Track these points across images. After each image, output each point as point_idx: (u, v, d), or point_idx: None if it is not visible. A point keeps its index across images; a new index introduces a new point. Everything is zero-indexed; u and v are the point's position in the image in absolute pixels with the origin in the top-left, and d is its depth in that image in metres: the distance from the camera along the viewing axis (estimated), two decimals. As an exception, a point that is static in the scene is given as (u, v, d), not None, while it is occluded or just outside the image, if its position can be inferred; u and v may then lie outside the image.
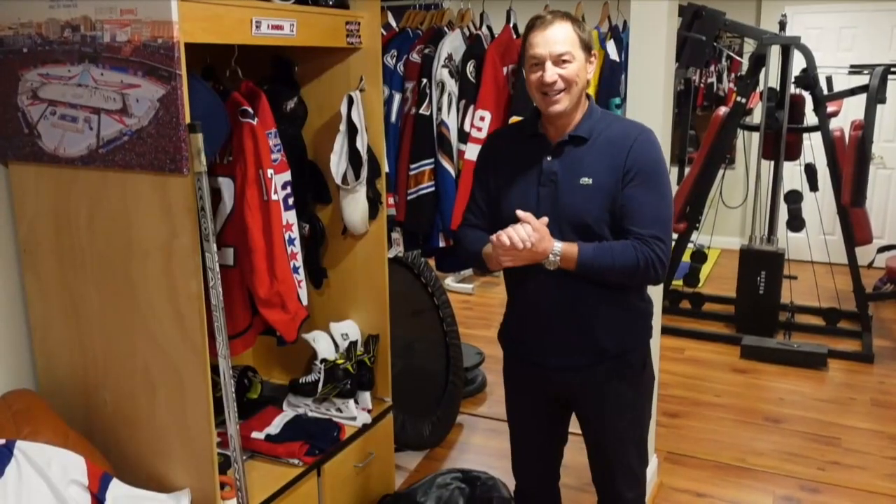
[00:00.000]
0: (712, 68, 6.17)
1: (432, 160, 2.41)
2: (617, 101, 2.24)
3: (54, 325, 1.95)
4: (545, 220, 1.72)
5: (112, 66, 1.65)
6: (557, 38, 1.71)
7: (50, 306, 1.94)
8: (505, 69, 2.37)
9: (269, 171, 2.01)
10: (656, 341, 2.59)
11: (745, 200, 5.38)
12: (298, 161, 2.39)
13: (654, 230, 1.74)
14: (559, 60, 1.70)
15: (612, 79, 2.18)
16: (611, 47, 2.22)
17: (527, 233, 1.68)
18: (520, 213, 1.71)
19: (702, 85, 6.42)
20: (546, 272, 1.75)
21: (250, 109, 1.99)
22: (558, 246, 1.72)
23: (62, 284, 1.91)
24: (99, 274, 1.84)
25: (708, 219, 4.74)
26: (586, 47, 1.75)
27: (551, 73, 1.70)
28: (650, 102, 2.26)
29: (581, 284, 1.77)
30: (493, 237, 1.72)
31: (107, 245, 1.81)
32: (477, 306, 5.08)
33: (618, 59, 2.24)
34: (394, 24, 2.70)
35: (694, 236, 4.69)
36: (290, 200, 2.12)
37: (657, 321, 2.62)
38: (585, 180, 1.75)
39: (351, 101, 2.25)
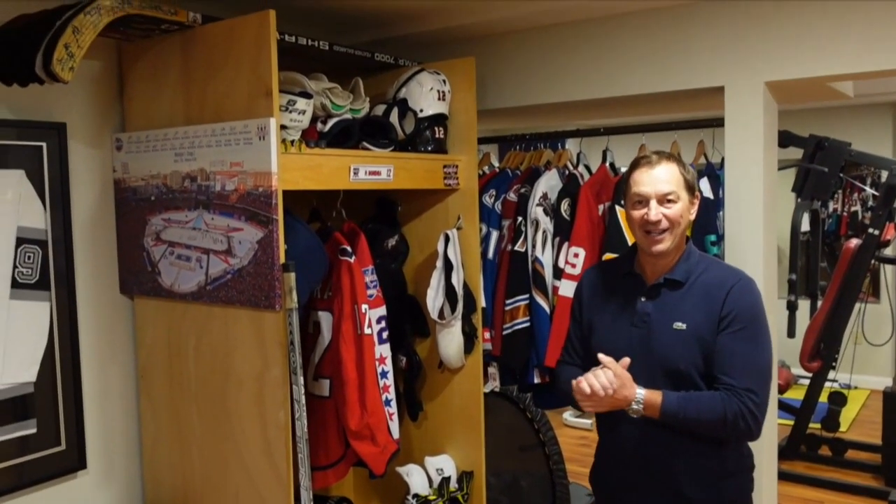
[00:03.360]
0: (856, 196, 5.94)
1: (527, 296, 2.44)
2: (712, 237, 2.20)
3: (162, 447, 2.08)
4: (626, 361, 1.68)
5: (221, 212, 1.82)
6: (663, 177, 1.73)
7: (160, 429, 2.08)
8: (600, 207, 2.40)
9: (364, 307, 2.10)
10: (770, 495, 2.40)
11: (892, 337, 4.97)
12: (399, 295, 2.49)
13: (747, 381, 1.66)
14: (664, 200, 1.72)
15: (706, 215, 2.16)
16: (704, 184, 2.21)
17: (608, 379, 1.65)
18: (602, 357, 1.69)
19: (845, 214, 6.15)
20: (632, 418, 1.69)
21: (349, 248, 2.12)
22: (641, 393, 1.67)
23: (170, 409, 2.04)
24: (201, 399, 1.96)
25: (851, 357, 4.40)
26: (690, 188, 1.76)
27: (656, 212, 1.71)
28: (749, 239, 2.21)
29: (667, 433, 1.70)
30: (574, 382, 1.70)
31: (209, 373, 1.94)
32: (595, 443, 4.88)
33: (712, 197, 2.22)
34: (496, 163, 2.83)
35: (834, 375, 4.36)
36: (385, 334, 2.20)
37: (771, 473, 2.43)
38: (679, 325, 1.72)
39: (447, 239, 2.34)
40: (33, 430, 1.89)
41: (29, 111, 1.88)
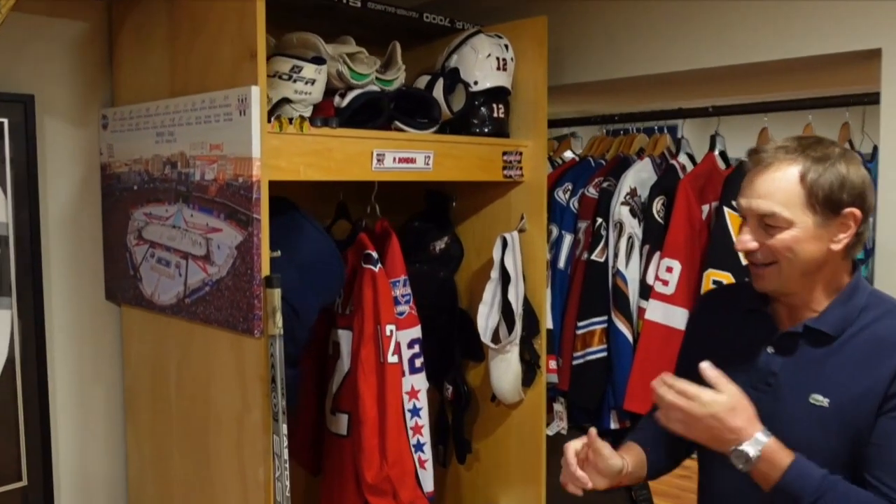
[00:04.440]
0: None
1: (605, 318, 1.94)
2: (860, 255, 1.63)
3: (146, 486, 1.73)
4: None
5: (200, 207, 1.44)
6: (763, 189, 1.15)
7: (143, 462, 1.73)
8: (704, 208, 1.87)
9: (389, 328, 1.68)
10: None
11: None
12: (448, 309, 2.05)
13: None
14: (762, 222, 1.16)
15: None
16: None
17: (710, 398, 1.11)
18: (706, 369, 1.14)
19: None
20: (735, 470, 1.14)
21: (374, 254, 1.69)
22: (762, 439, 1.10)
23: (153, 443, 1.69)
24: (183, 436, 1.60)
25: None
26: (828, 204, 1.13)
27: (747, 238, 1.17)
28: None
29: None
30: (654, 382, 1.19)
31: (190, 405, 1.57)
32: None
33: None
34: (579, 150, 2.33)
35: None
36: (418, 362, 1.77)
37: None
38: (819, 399, 1.15)
39: (505, 244, 1.88)
40: (-11, 461, 1.59)
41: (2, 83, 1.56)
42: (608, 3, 2.04)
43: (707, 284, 1.75)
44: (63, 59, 1.65)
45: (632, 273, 1.90)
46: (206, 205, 1.42)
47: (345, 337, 1.76)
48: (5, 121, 1.55)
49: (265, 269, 1.35)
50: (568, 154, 2.30)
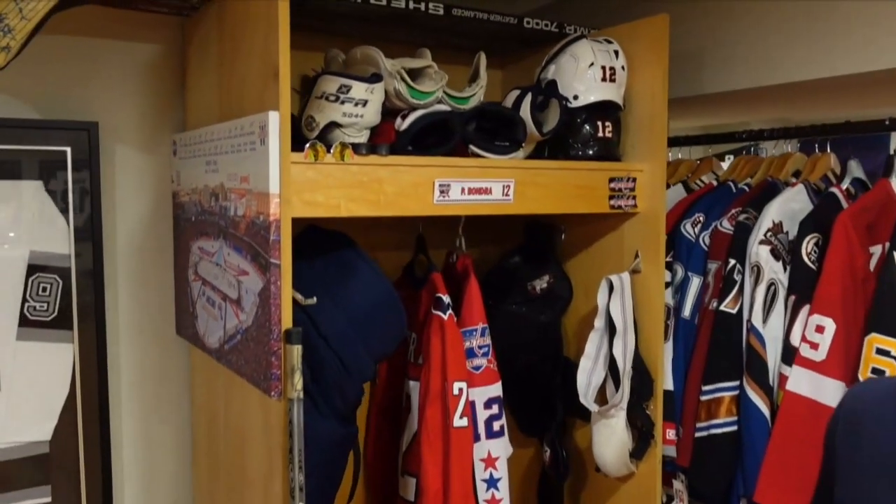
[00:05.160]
0: None
1: (736, 384, 1.56)
2: None
3: (209, 535, 1.63)
4: None
5: (234, 246, 1.29)
6: None
7: (207, 512, 1.63)
8: (874, 251, 1.45)
9: (459, 386, 1.44)
10: None
11: None
12: (553, 358, 1.78)
13: None
14: None
15: None
16: None
17: None
18: None
19: None
20: None
21: (445, 298, 1.47)
22: None
23: (212, 490, 1.58)
24: (228, 490, 1.46)
25: None
26: None
27: None
28: None
29: None
30: None
31: (231, 464, 1.43)
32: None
33: None
34: (720, 173, 1.94)
35: None
36: (498, 424, 1.52)
37: None
38: None
39: (611, 288, 1.58)
40: (47, 499, 1.54)
41: (61, 109, 1.52)
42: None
43: (869, 354, 1.35)
44: (133, 84, 1.59)
45: (771, 330, 1.51)
46: (238, 244, 1.27)
47: (415, 390, 1.55)
48: (68, 149, 1.51)
49: (285, 322, 1.17)
50: (709, 177, 1.93)
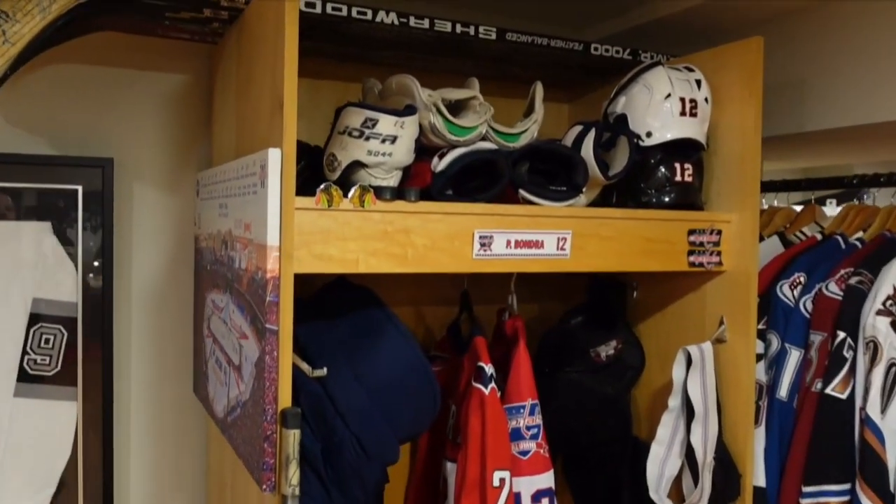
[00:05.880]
0: None
1: (846, 488, 1.27)
2: None
3: None
4: None
5: (238, 303, 1.11)
6: None
7: None
8: None
9: (500, 476, 1.21)
10: None
11: None
12: (620, 439, 1.52)
13: None
14: None
15: None
16: None
17: None
18: None
19: None
20: None
21: (487, 369, 1.25)
22: None
23: (220, 577, 1.39)
24: (234, 586, 1.27)
25: None
26: None
27: None
28: None
29: None
30: None
31: (236, 551, 1.24)
32: None
33: None
34: (824, 224, 1.65)
35: None
36: (547, 520, 1.27)
37: None
38: None
39: (689, 362, 1.32)
40: (42, 575, 1.39)
41: (75, 144, 1.39)
42: (864, 11, 1.40)
43: None
44: (156, 117, 1.45)
45: (892, 423, 1.22)
46: (241, 301, 1.09)
47: (452, 473, 1.32)
48: (79, 188, 1.37)
49: (283, 400, 0.97)
50: (811, 229, 1.64)
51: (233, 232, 1.14)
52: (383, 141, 1.10)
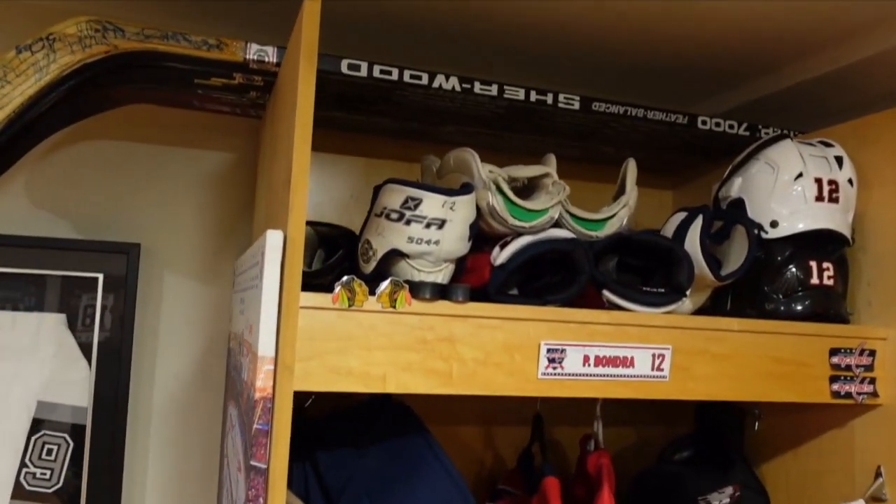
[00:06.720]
0: None
1: None
2: None
3: None
4: None
5: (240, 423, 0.89)
6: None
7: None
8: None
9: None
10: None
11: None
12: None
13: None
14: None
15: None
16: None
17: None
18: None
19: None
20: None
21: (559, 520, 0.96)
22: None
23: None
24: None
25: None
26: None
27: None
28: None
29: None
30: None
31: None
32: None
33: None
34: None
35: None
36: None
37: None
38: None
39: (835, 525, 0.99)
40: None
41: (99, 228, 1.25)
42: None
43: None
44: (192, 199, 1.29)
45: None
46: (243, 422, 0.87)
47: None
48: (100, 276, 1.21)
49: (268, 568, 0.72)
50: None
51: (244, 335, 0.93)
52: (428, 226, 0.87)
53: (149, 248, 1.25)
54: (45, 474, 1.18)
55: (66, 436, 1.19)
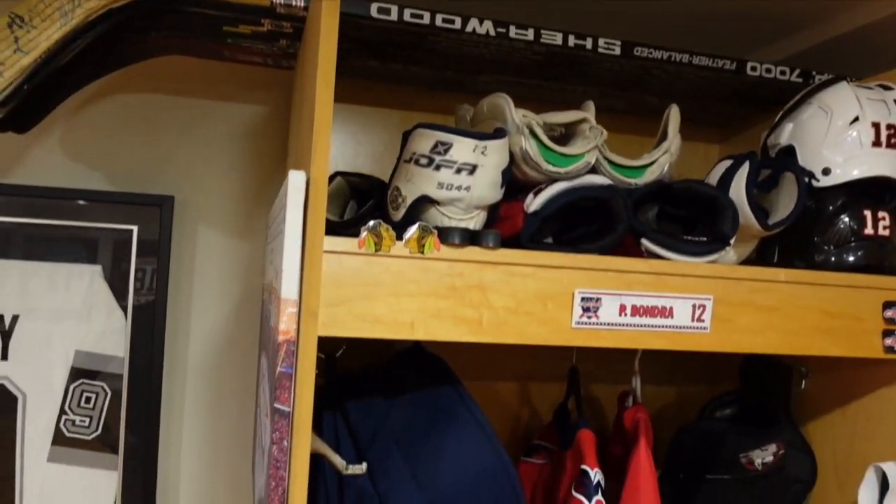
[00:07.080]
0: None
1: None
2: None
3: None
4: None
5: (269, 371, 0.88)
6: None
7: None
8: None
9: None
10: None
11: None
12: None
13: None
14: None
15: None
16: None
17: None
18: None
19: None
20: None
21: (594, 474, 0.94)
22: None
23: None
24: None
25: None
26: None
27: None
28: None
29: None
30: None
31: None
32: None
33: None
34: None
35: None
36: None
37: None
38: None
39: (884, 485, 0.94)
40: None
41: (134, 180, 1.25)
42: None
43: None
44: (227, 152, 1.28)
45: None
46: (270, 367, 0.86)
47: None
48: (134, 228, 1.22)
49: (292, 511, 0.72)
50: None
51: (272, 282, 0.92)
52: (458, 171, 0.84)
53: (183, 202, 1.25)
54: (83, 422, 1.20)
55: (104, 384, 1.20)
